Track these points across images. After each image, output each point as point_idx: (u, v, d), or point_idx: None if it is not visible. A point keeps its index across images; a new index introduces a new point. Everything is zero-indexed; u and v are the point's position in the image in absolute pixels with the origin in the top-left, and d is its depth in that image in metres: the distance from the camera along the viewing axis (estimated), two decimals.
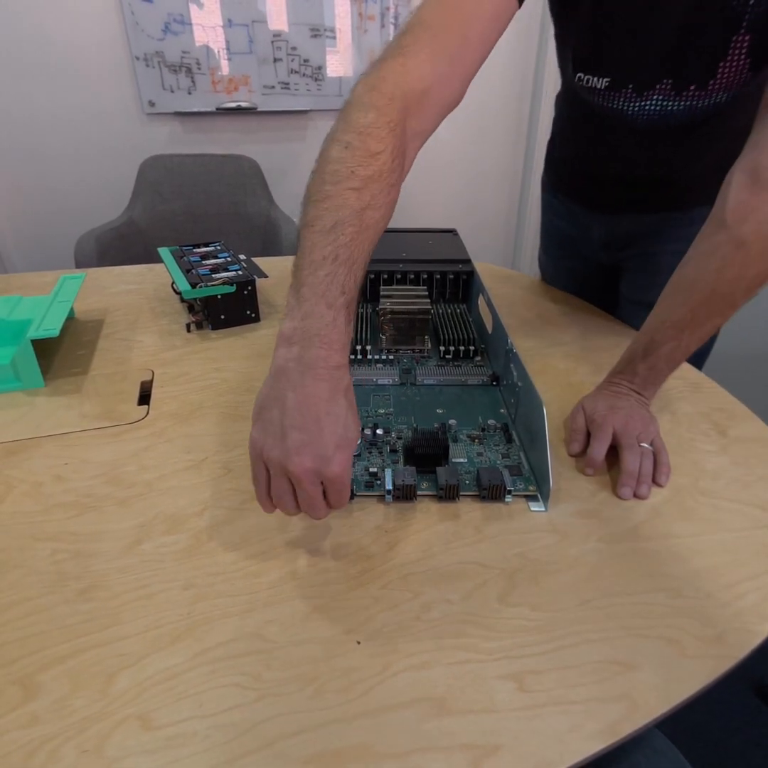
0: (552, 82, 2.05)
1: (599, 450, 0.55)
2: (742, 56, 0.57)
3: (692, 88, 0.61)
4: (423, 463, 0.54)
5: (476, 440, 0.58)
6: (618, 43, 0.62)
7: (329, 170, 0.44)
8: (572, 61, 0.68)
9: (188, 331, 0.83)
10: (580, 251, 0.93)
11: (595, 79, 0.66)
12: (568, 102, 0.81)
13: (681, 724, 1.01)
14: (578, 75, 0.67)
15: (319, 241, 0.42)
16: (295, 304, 0.42)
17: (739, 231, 0.52)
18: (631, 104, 0.66)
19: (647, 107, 0.65)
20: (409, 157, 0.49)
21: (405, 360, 0.73)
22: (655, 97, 0.64)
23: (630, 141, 0.72)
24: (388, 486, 0.51)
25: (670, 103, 0.64)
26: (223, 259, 0.90)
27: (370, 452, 0.56)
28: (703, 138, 0.69)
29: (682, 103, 0.63)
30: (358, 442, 0.43)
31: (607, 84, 0.65)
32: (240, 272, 0.85)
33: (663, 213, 0.78)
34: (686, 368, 0.73)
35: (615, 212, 0.83)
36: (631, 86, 0.64)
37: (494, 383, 0.69)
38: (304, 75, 1.92)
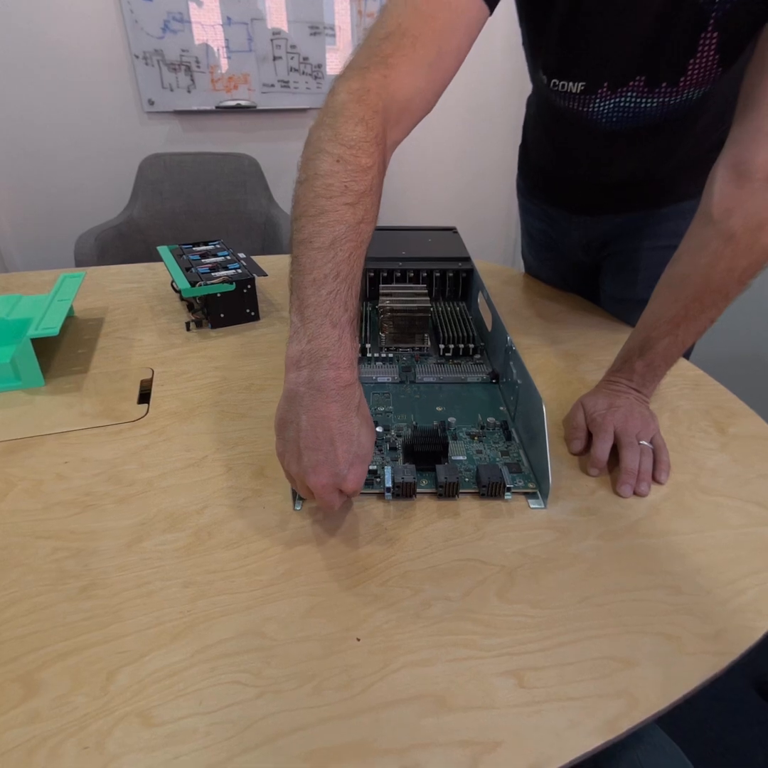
0: None
1: (603, 449, 0.55)
2: (711, 53, 0.57)
3: (664, 85, 0.61)
4: (422, 461, 0.54)
5: (476, 438, 0.58)
6: (593, 47, 0.61)
7: (322, 184, 0.44)
8: (544, 69, 0.67)
9: (188, 329, 0.83)
10: (560, 251, 0.94)
11: (571, 84, 0.65)
12: (540, 107, 0.80)
13: (681, 721, 1.01)
14: (552, 81, 0.67)
15: (318, 258, 0.43)
16: (300, 325, 0.43)
17: (726, 225, 0.52)
18: (606, 103, 0.65)
19: (622, 104, 0.65)
20: (386, 163, 0.50)
21: (404, 358, 0.73)
22: (629, 94, 0.64)
23: (603, 143, 0.71)
24: (388, 483, 0.51)
25: (644, 101, 0.64)
26: (222, 258, 0.90)
27: None
28: (674, 137, 0.69)
29: (655, 100, 0.63)
30: (373, 452, 0.46)
31: (582, 88, 0.65)
32: (239, 270, 0.85)
33: (639, 212, 0.78)
34: (686, 366, 0.73)
35: (592, 215, 0.83)
36: (606, 85, 0.64)
37: (494, 381, 0.69)
38: (303, 73, 1.92)
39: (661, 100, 0.63)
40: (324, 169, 0.44)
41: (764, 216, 0.51)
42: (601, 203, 0.80)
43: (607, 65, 0.62)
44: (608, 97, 0.65)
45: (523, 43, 0.70)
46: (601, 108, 0.66)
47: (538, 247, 0.99)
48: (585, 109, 0.67)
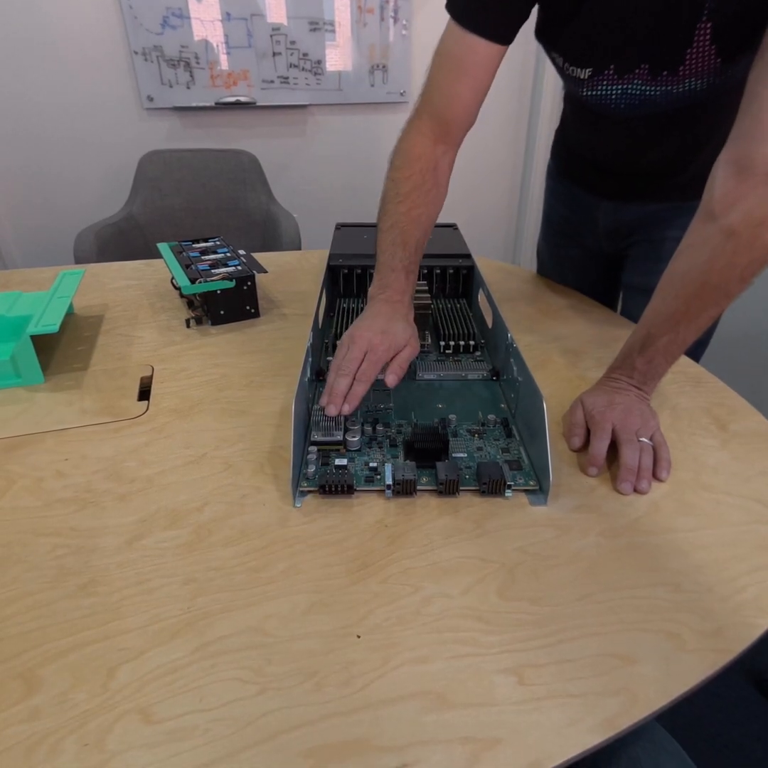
0: (552, 76, 2.04)
1: (600, 448, 0.55)
2: (707, 43, 0.58)
3: (665, 73, 0.63)
4: (423, 458, 0.54)
5: (476, 435, 0.58)
6: (600, 35, 0.63)
7: (384, 197, 0.70)
8: (562, 54, 0.70)
9: (188, 326, 0.83)
10: (581, 239, 0.93)
11: (579, 69, 0.69)
12: (567, 95, 0.83)
13: (681, 718, 1.02)
14: (565, 64, 0.70)
15: (384, 237, 0.68)
16: (376, 273, 0.69)
17: (727, 221, 0.52)
18: (614, 88, 0.67)
19: (628, 91, 0.67)
20: (443, 166, 0.70)
21: None
22: (635, 81, 0.66)
23: (624, 130, 0.73)
24: (388, 481, 0.51)
25: (648, 88, 0.65)
26: (222, 255, 0.90)
27: (370, 447, 0.56)
28: (697, 129, 0.70)
29: (658, 88, 0.65)
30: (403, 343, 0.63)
31: (589, 73, 0.68)
32: (239, 267, 0.85)
33: (669, 202, 0.79)
34: (686, 363, 0.73)
35: (620, 200, 0.83)
36: (612, 67, 0.66)
37: (494, 378, 0.69)
38: (303, 69, 1.91)
39: (664, 88, 0.64)
40: (385, 188, 0.70)
41: (765, 212, 0.50)
42: (632, 190, 0.81)
43: (612, 52, 0.64)
44: (615, 82, 0.67)
45: (537, 31, 0.71)
46: (609, 93, 0.68)
47: (556, 234, 0.99)
48: (594, 93, 0.69)
